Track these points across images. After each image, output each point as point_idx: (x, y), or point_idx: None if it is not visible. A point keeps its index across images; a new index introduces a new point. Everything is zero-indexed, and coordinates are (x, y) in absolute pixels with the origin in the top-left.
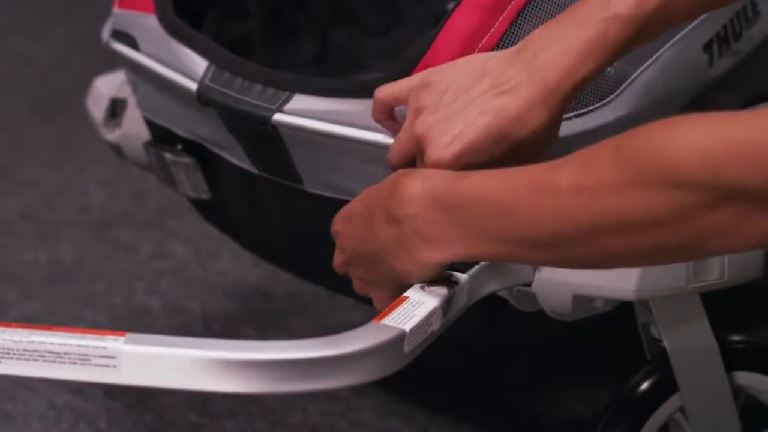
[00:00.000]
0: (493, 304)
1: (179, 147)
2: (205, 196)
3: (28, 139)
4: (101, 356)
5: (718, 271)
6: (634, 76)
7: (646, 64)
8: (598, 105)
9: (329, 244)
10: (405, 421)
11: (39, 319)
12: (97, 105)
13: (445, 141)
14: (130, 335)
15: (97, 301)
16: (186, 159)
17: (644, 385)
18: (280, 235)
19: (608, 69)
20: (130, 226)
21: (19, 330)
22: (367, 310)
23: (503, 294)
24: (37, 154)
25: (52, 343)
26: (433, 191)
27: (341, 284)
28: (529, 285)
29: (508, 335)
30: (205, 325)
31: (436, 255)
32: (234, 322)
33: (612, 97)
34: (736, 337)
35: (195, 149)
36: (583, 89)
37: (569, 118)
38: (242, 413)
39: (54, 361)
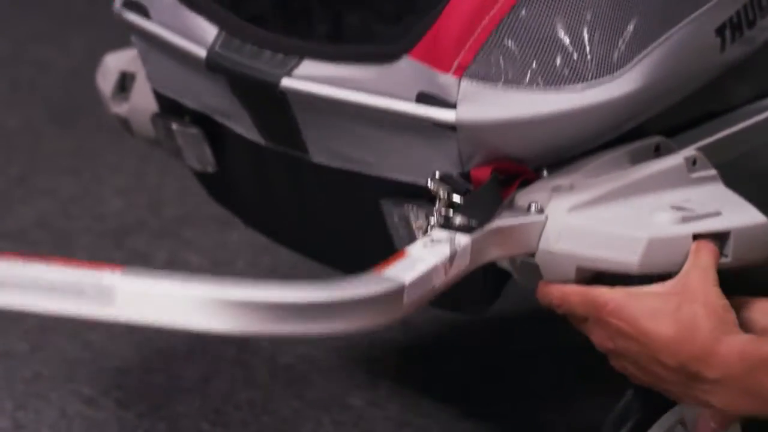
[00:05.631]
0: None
1: (187, 118)
2: (210, 169)
3: (46, 147)
4: (97, 289)
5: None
6: (644, 52)
7: (657, 42)
8: (606, 78)
9: (333, 219)
10: (419, 431)
11: (52, 329)
12: (106, 79)
13: None
14: (127, 269)
15: None
16: (193, 130)
17: (643, 396)
18: (285, 210)
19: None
20: (145, 234)
21: (15, 260)
22: None
23: (506, 266)
24: (55, 162)
25: (47, 274)
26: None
27: (346, 263)
28: (532, 256)
29: (524, 343)
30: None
31: None
32: None
33: (621, 71)
34: None
35: (202, 121)
36: None
37: (577, 90)
38: (254, 423)
39: (49, 291)
